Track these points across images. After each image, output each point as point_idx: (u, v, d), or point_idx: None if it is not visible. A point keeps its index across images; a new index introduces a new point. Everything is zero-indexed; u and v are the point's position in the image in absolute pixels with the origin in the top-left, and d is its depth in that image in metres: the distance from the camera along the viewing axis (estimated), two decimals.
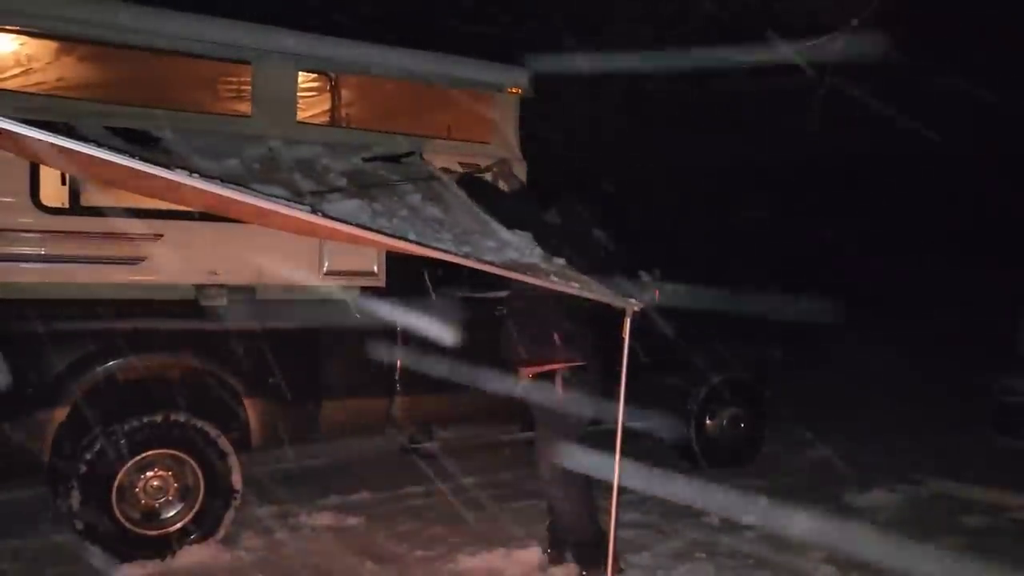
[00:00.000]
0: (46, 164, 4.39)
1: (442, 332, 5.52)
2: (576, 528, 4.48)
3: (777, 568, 4.69)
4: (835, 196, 14.33)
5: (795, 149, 11.98)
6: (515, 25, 9.95)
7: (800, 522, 5.41)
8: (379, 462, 6.65)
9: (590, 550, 4.41)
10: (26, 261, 4.53)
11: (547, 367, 4.39)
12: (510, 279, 4.12)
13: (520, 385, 4.58)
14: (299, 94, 5.40)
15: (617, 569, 4.33)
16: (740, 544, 5.07)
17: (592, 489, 4.49)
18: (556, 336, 4.33)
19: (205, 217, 4.66)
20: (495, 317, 5.72)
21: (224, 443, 4.85)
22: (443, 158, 5.52)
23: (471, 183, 5.03)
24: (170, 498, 4.78)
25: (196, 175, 3.02)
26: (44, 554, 4.77)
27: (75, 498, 4.47)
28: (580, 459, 4.34)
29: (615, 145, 11.72)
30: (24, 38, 4.83)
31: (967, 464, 6.87)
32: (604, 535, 4.29)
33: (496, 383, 5.66)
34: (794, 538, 5.17)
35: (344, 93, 5.84)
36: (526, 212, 4.66)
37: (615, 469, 4.08)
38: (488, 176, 5.22)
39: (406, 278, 5.47)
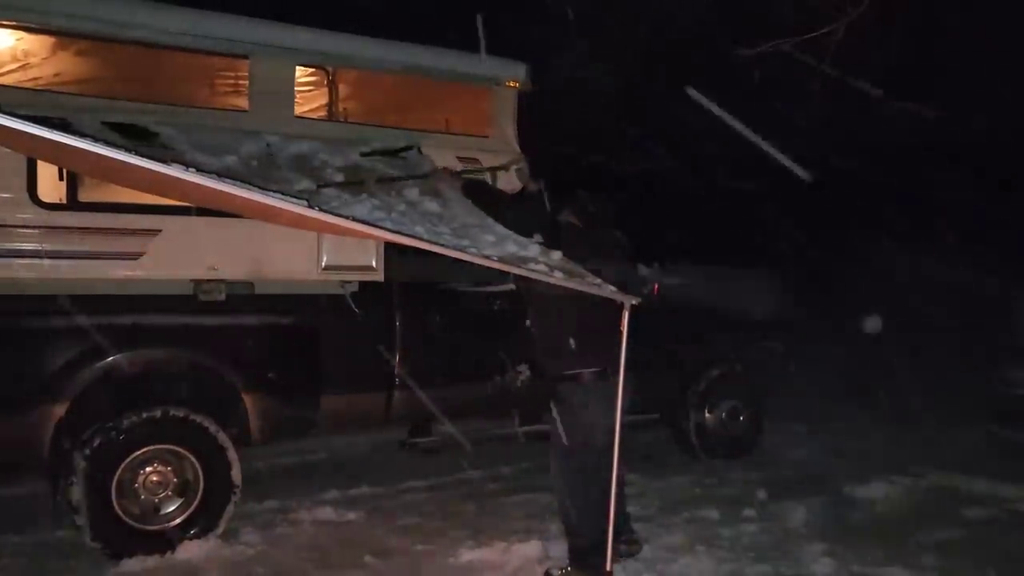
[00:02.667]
0: (44, 160, 4.39)
1: (441, 326, 5.54)
2: (578, 531, 4.37)
3: (777, 561, 4.69)
4: (831, 193, 14.24)
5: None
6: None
7: (799, 514, 5.43)
8: (378, 457, 6.66)
9: (584, 555, 4.31)
10: (24, 257, 4.52)
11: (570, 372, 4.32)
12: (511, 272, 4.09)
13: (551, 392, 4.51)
14: (297, 89, 5.39)
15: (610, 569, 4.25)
16: (739, 537, 5.08)
17: (609, 496, 4.23)
18: (571, 342, 4.24)
19: (203, 212, 4.65)
20: (493, 311, 5.75)
21: (223, 438, 4.84)
22: (441, 152, 5.51)
23: (472, 187, 4.95)
24: (170, 493, 4.78)
25: (193, 170, 3.01)
26: (44, 549, 4.79)
27: (75, 494, 4.47)
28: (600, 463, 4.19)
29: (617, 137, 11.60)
30: (21, 33, 4.81)
31: (966, 456, 6.88)
32: (603, 544, 4.13)
33: (495, 377, 5.70)
34: (793, 530, 5.19)
35: (342, 88, 5.82)
36: (534, 213, 4.55)
37: (614, 464, 4.08)
38: (489, 177, 5.18)
39: (404, 273, 5.46)
